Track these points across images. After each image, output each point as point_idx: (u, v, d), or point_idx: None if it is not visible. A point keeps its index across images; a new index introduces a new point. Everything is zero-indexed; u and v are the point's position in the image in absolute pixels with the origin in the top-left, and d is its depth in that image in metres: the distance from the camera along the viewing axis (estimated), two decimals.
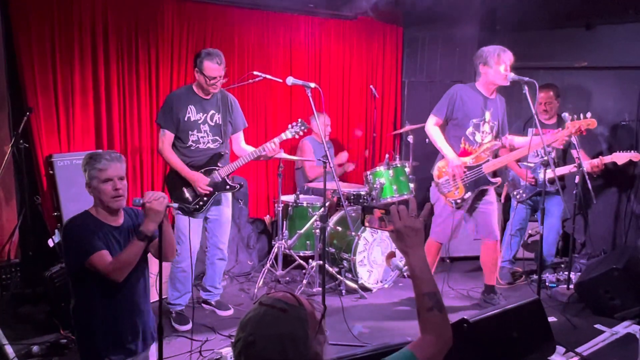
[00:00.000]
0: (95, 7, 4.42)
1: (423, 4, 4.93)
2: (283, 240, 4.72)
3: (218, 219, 3.97)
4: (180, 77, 4.88)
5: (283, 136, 3.83)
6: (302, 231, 4.71)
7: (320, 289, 4.14)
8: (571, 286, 4.40)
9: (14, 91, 4.21)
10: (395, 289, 4.70)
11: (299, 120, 3.88)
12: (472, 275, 5.00)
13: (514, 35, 5.42)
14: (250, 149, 3.95)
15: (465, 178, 4.01)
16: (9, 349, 3.40)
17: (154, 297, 2.84)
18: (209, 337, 3.68)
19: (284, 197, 4.83)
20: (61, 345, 3.43)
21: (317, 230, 4.54)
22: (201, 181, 3.74)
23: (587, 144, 4.89)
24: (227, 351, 3.28)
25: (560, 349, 3.31)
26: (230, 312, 4.12)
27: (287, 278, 4.81)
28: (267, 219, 5.55)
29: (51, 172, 4.18)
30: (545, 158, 3.78)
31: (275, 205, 4.87)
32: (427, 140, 4.25)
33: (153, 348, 2.57)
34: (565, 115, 3.94)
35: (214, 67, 3.64)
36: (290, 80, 3.59)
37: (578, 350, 3.44)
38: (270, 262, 4.69)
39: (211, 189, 3.77)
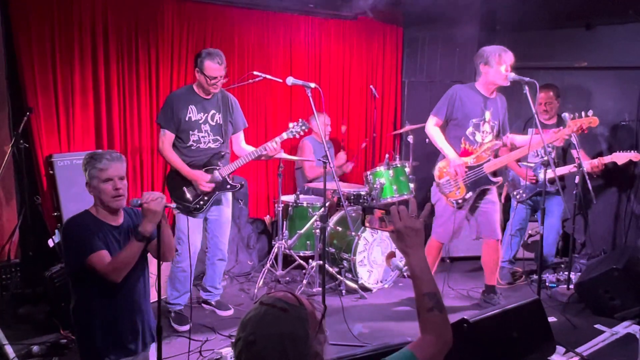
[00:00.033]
0: (95, 7, 4.41)
1: (423, 4, 4.93)
2: (283, 240, 4.72)
3: (218, 219, 3.97)
4: (180, 77, 4.88)
5: (284, 135, 3.84)
6: (302, 231, 4.71)
7: (320, 289, 4.14)
8: (571, 286, 4.40)
9: (14, 91, 4.20)
10: (395, 289, 4.70)
11: (300, 120, 3.89)
12: (472, 275, 5.00)
13: (514, 35, 5.42)
14: (250, 149, 3.95)
15: (466, 178, 4.01)
16: (9, 349, 3.39)
17: (154, 297, 2.84)
18: (209, 337, 3.69)
19: (284, 197, 4.83)
20: (61, 345, 3.43)
21: (317, 230, 4.54)
22: (202, 179, 3.74)
23: (587, 144, 4.89)
24: (227, 351, 3.28)
25: (560, 349, 3.31)
26: (230, 312, 4.12)
27: (287, 278, 4.81)
28: (267, 219, 5.55)
29: (51, 172, 4.18)
30: (546, 158, 3.79)
31: (275, 205, 4.87)
32: (427, 140, 4.26)
33: (153, 348, 2.57)
34: (565, 115, 3.94)
35: (214, 67, 3.64)
36: (290, 80, 3.60)
37: (578, 350, 3.44)
38: (270, 262, 4.69)
39: (213, 185, 3.78)
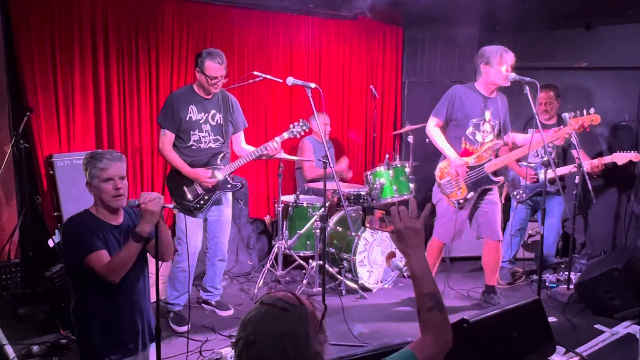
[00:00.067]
0: (95, 7, 4.41)
1: (423, 4, 4.93)
2: (283, 240, 4.72)
3: (218, 219, 3.97)
4: (181, 77, 4.88)
5: (285, 135, 3.85)
6: (302, 231, 4.71)
7: (320, 289, 4.14)
8: (571, 286, 4.40)
9: (14, 91, 4.20)
10: (395, 289, 4.70)
11: (301, 120, 3.90)
12: (472, 275, 5.00)
13: (514, 35, 5.42)
14: (250, 148, 3.95)
15: (467, 178, 4.01)
16: (9, 349, 3.39)
17: (154, 297, 2.84)
18: (209, 337, 3.68)
19: (284, 197, 4.83)
20: (61, 345, 3.43)
21: (317, 231, 4.54)
22: (204, 176, 3.74)
23: (587, 144, 4.89)
24: (227, 351, 3.28)
25: (560, 349, 3.31)
26: (230, 312, 4.12)
27: (287, 278, 4.80)
28: (267, 219, 5.55)
29: (51, 172, 4.18)
30: (546, 158, 3.78)
31: (275, 205, 4.87)
32: (427, 140, 4.26)
33: (153, 348, 2.57)
34: (565, 115, 3.94)
35: (215, 67, 3.64)
36: (290, 80, 3.60)
37: (578, 350, 3.44)
38: (270, 262, 4.69)
39: (216, 180, 3.78)
